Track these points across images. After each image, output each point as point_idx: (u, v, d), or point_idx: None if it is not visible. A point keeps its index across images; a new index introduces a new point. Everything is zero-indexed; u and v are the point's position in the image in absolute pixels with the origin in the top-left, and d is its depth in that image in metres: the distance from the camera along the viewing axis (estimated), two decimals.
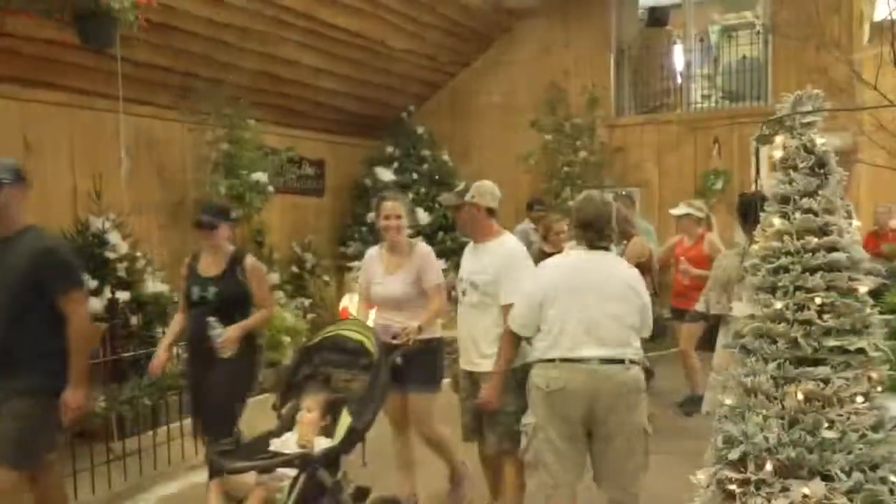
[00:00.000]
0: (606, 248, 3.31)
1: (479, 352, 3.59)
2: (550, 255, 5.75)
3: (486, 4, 8.82)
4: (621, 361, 3.09)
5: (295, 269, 8.59)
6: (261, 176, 7.00)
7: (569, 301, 3.15)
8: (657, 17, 9.47)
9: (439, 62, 9.68)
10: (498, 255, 3.56)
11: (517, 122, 9.79)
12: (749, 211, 3.93)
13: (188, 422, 4.78)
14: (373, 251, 4.17)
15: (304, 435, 3.07)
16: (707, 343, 5.37)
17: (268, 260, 8.04)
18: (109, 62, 6.25)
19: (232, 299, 3.97)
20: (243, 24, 6.84)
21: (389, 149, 9.43)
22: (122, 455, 4.71)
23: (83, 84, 6.33)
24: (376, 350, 3.22)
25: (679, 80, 9.38)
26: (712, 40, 10.09)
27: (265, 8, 6.85)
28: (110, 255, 5.68)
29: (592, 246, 3.28)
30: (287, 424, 3.20)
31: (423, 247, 4.01)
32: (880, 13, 9.59)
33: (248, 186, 6.91)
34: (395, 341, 3.61)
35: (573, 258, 3.38)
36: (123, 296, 5.56)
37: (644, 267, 5.15)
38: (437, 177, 9.13)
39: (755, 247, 2.23)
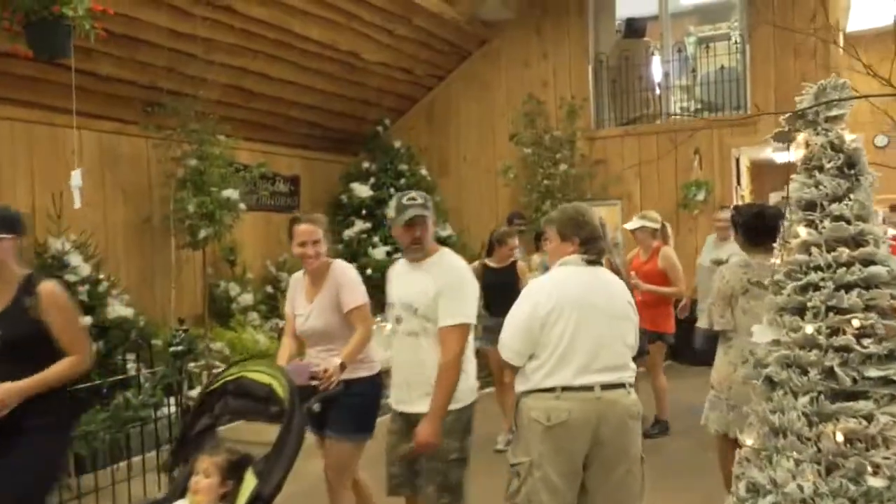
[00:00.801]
0: (600, 263, 3.04)
1: (419, 390, 3.00)
2: (494, 270, 5.56)
3: (461, 16, 8.67)
4: (622, 386, 2.84)
5: (269, 289, 8.30)
6: (231, 193, 6.73)
7: (575, 319, 2.84)
8: (634, 29, 9.36)
9: (415, 75, 9.50)
10: (440, 272, 3.04)
11: (496, 136, 9.63)
12: (766, 226, 3.72)
13: (152, 455, 4.50)
14: (297, 276, 3.60)
15: None
16: (706, 357, 5.19)
17: (240, 280, 7.78)
18: (69, 75, 5.99)
19: (21, 343, 2.83)
20: (210, 35, 6.61)
21: (366, 164, 9.21)
22: (78, 494, 4.38)
23: (40, 98, 6.07)
24: (288, 395, 2.68)
25: (658, 91, 9.27)
26: (689, 51, 10.02)
27: (233, 19, 6.63)
28: (71, 277, 5.39)
29: (590, 262, 3.00)
30: (179, 491, 2.64)
31: (338, 265, 3.46)
32: (853, 24, 9.63)
33: (219, 204, 6.63)
34: (314, 383, 3.03)
35: (573, 273, 3.01)
36: (84, 321, 5.26)
37: None
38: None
39: (776, 260, 1.98)
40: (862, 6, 9.39)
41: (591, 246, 3.00)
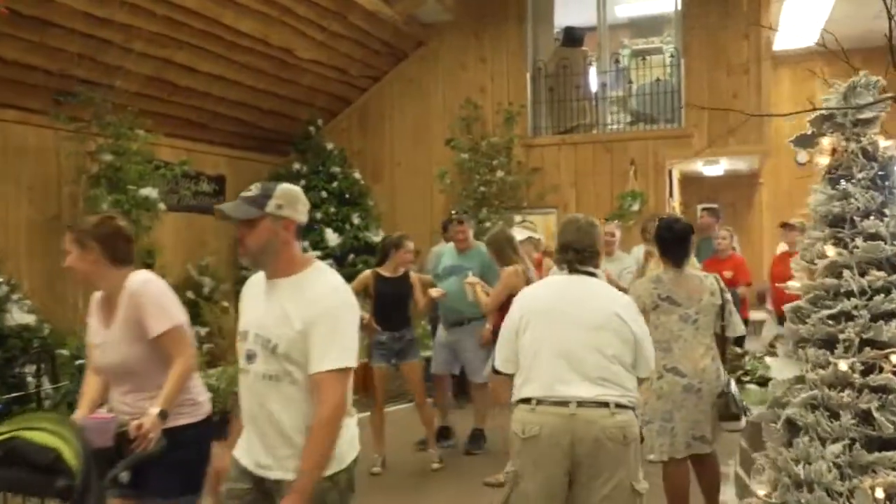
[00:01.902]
0: (591, 273, 2.89)
1: (280, 451, 2.23)
2: (386, 279, 5.07)
3: (399, 16, 8.43)
4: (606, 405, 2.63)
5: (190, 294, 7.82)
6: (150, 192, 6.27)
7: (542, 327, 2.75)
8: (573, 37, 9.33)
9: (350, 75, 9.19)
10: (309, 299, 2.21)
11: (431, 140, 9.41)
12: (676, 240, 3.66)
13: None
14: (96, 295, 2.79)
15: None
16: None
17: None
18: None
19: None
20: (130, 22, 6.14)
21: (297, 165, 8.83)
22: None
23: None
24: (81, 464, 2.09)
25: (595, 100, 9.24)
26: (623, 63, 10.06)
27: (156, 6, 6.18)
28: None
29: (573, 270, 2.88)
30: None
31: (135, 278, 2.64)
32: (779, 43, 9.86)
33: (136, 203, 6.17)
34: (129, 443, 2.39)
35: (552, 281, 3.06)
36: None
37: None
38: (347, 196, 8.60)
39: (796, 283, 1.77)
40: (787, 27, 9.62)
41: (576, 255, 2.87)
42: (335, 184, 8.60)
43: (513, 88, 9.13)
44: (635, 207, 8.32)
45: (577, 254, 2.87)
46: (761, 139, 8.40)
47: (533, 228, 6.03)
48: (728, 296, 3.70)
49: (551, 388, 2.66)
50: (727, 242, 6.64)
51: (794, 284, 1.73)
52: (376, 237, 8.64)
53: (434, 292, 5.29)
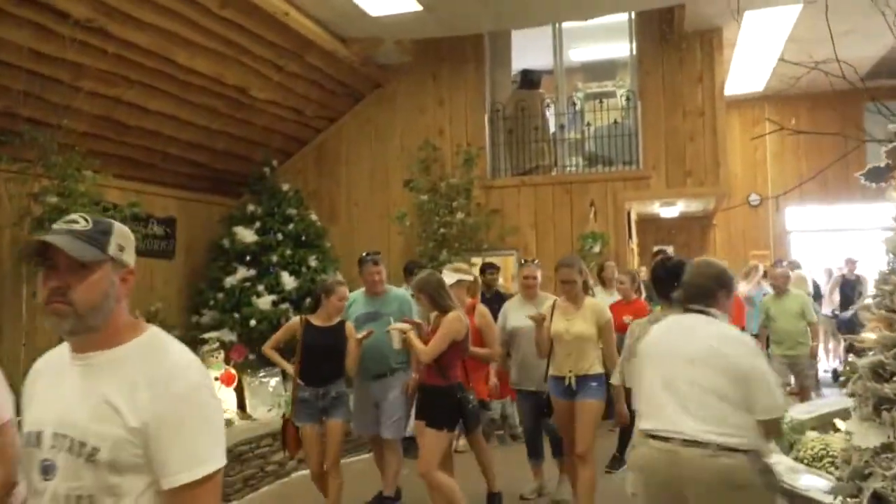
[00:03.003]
0: (702, 311, 2.92)
1: None
2: (317, 329, 4.66)
3: (356, 57, 8.35)
4: (706, 445, 2.50)
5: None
6: None
7: (652, 362, 2.92)
8: (530, 80, 9.38)
9: (306, 116, 9.05)
10: (156, 379, 1.56)
11: (390, 181, 9.31)
12: (670, 278, 3.62)
13: None
14: None
15: None
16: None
17: None
18: None
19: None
20: (78, 60, 5.90)
21: (251, 207, 8.58)
22: None
23: None
24: None
25: (553, 142, 9.28)
26: (579, 106, 10.17)
27: (106, 44, 5.96)
28: None
29: (685, 308, 3.02)
30: None
31: None
32: (728, 89, 10.11)
33: None
34: None
35: (667, 319, 3.15)
36: None
37: (460, 347, 4.44)
38: (303, 237, 8.37)
39: (871, 335, 1.64)
40: (737, 73, 9.89)
41: (682, 293, 3.06)
42: (291, 226, 8.37)
43: (471, 130, 9.12)
44: (596, 249, 8.31)
45: (687, 292, 3.01)
46: (717, 181, 8.53)
47: (466, 270, 5.38)
48: None
49: (660, 421, 2.70)
50: (626, 287, 6.56)
51: (869, 336, 1.60)
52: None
53: (362, 334, 4.76)
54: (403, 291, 5.58)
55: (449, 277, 4.95)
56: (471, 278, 5.30)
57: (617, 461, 5.74)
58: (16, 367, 6.09)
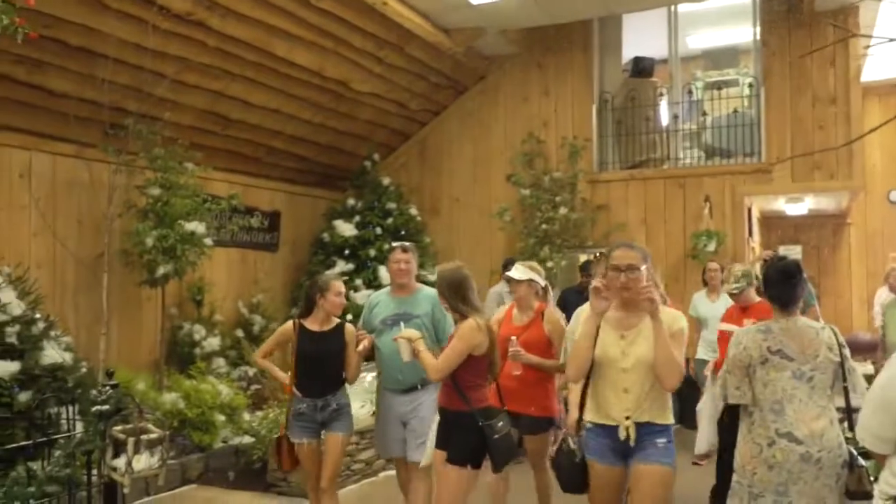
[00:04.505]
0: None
1: None
2: (312, 334, 4.02)
3: (458, 47, 8.14)
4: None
5: (240, 332, 7.59)
6: (197, 226, 6.07)
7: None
8: (642, 68, 8.87)
9: (409, 109, 8.95)
10: None
11: (492, 176, 9.06)
12: (782, 278, 3.18)
13: None
14: None
15: None
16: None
17: (207, 322, 7.08)
18: (16, 88, 5.40)
19: None
20: (181, 54, 6.02)
21: (351, 201, 8.59)
22: None
23: None
24: None
25: (666, 134, 8.72)
26: (696, 95, 9.53)
27: (208, 37, 6.05)
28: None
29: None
30: None
31: None
32: (867, 75, 9.15)
33: (181, 238, 5.97)
34: None
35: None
36: (10, 367, 4.54)
37: (481, 364, 3.55)
38: (402, 232, 8.28)
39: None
40: (877, 57, 8.94)
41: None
42: (390, 220, 8.30)
43: (578, 121, 8.71)
44: (711, 248, 7.71)
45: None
46: (850, 175, 7.71)
47: (538, 270, 4.52)
48: (847, 351, 3.16)
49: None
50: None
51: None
52: (432, 276, 8.27)
53: (362, 343, 4.14)
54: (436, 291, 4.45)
55: (520, 273, 4.35)
56: (543, 283, 4.44)
57: None
58: (125, 352, 6.35)
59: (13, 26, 3.13)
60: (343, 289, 4.31)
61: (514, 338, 4.10)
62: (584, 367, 3.14)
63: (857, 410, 2.88)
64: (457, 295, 3.59)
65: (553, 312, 4.45)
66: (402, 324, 4.03)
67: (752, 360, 3.13)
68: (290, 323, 4.32)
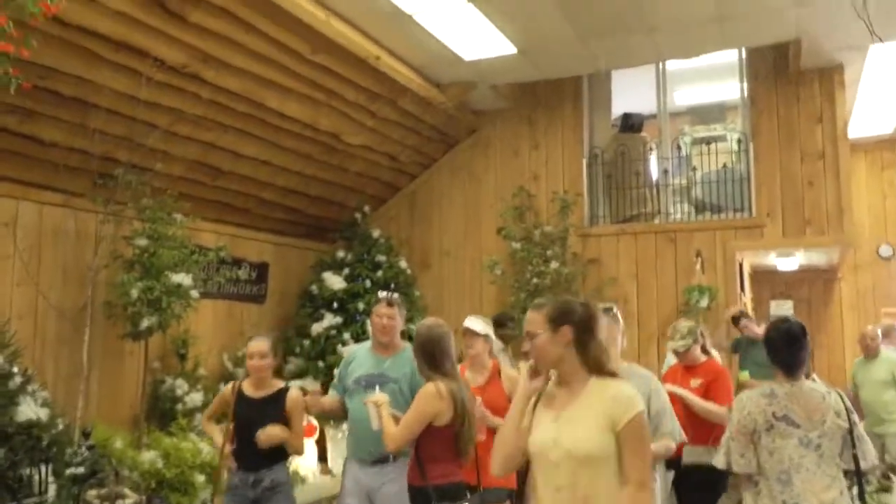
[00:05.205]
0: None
1: None
2: (249, 400, 3.85)
3: (450, 101, 8.20)
4: None
5: (224, 386, 7.39)
6: (183, 278, 5.96)
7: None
8: (631, 124, 8.96)
9: (399, 161, 8.95)
10: None
11: (482, 229, 9.02)
12: (787, 342, 3.10)
13: None
14: None
15: None
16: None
17: (190, 376, 6.90)
18: (7, 139, 5.34)
19: None
20: (174, 105, 6.00)
21: (341, 253, 8.51)
22: None
23: None
24: None
25: (656, 188, 8.76)
26: (685, 151, 9.62)
27: (201, 89, 6.04)
28: None
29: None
30: None
31: None
32: (853, 131, 9.30)
33: (167, 290, 5.85)
34: None
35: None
36: None
37: (443, 434, 3.25)
38: (392, 285, 8.18)
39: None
40: (861, 113, 9.10)
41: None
42: (380, 273, 8.21)
43: (568, 176, 8.74)
44: (703, 303, 7.66)
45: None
46: (841, 230, 7.73)
47: (489, 322, 4.27)
48: (855, 417, 3.06)
49: None
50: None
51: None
52: None
53: (310, 398, 3.85)
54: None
55: (479, 325, 4.05)
56: (495, 343, 4.16)
57: None
58: (101, 408, 6.13)
59: (7, 77, 3.08)
60: (262, 349, 3.93)
61: (478, 398, 3.71)
62: (512, 459, 2.50)
63: (867, 478, 2.79)
64: (425, 355, 3.29)
65: (508, 369, 4.20)
66: (377, 387, 3.69)
67: (757, 425, 3.02)
68: (229, 386, 4.06)
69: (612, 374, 2.39)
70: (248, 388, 3.95)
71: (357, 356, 4.05)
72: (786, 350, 3.09)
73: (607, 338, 2.70)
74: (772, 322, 3.33)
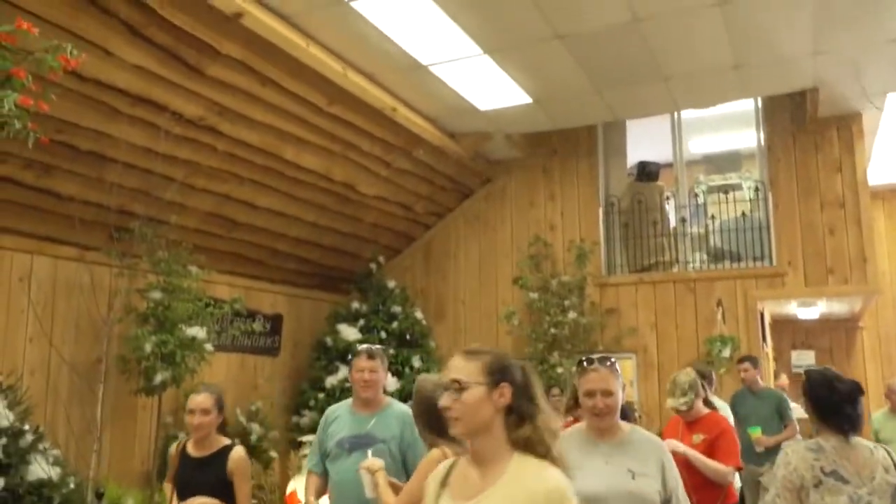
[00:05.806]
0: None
1: None
2: (193, 460, 3.56)
3: (465, 151, 8.20)
4: None
5: (237, 442, 7.24)
6: (198, 331, 5.88)
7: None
8: (648, 172, 8.91)
9: (414, 212, 8.93)
10: None
11: (499, 279, 8.93)
12: (846, 403, 2.94)
13: None
14: None
15: None
16: None
17: None
18: (24, 193, 5.34)
19: None
20: (191, 157, 6.00)
21: (356, 304, 8.42)
22: None
23: None
24: None
25: (674, 237, 8.66)
26: (700, 199, 9.55)
27: (218, 141, 6.05)
28: None
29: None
30: None
31: None
32: (871, 178, 9.23)
33: (181, 344, 5.76)
34: None
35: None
36: None
37: None
38: (408, 336, 8.07)
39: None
40: (880, 161, 9.04)
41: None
42: (395, 324, 8.11)
43: (584, 225, 8.68)
44: (726, 353, 7.49)
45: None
46: (864, 279, 7.59)
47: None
48: None
49: None
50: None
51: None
52: None
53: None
54: (408, 409, 3.49)
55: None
56: None
57: None
58: (116, 465, 5.99)
59: (26, 131, 3.05)
60: (203, 404, 3.57)
61: None
62: None
63: None
64: (429, 419, 2.83)
65: None
66: (369, 451, 3.32)
67: (805, 481, 2.86)
68: (175, 445, 3.72)
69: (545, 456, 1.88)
70: (191, 447, 3.59)
71: (338, 416, 3.68)
72: (851, 408, 2.93)
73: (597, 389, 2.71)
74: (821, 378, 3.11)
